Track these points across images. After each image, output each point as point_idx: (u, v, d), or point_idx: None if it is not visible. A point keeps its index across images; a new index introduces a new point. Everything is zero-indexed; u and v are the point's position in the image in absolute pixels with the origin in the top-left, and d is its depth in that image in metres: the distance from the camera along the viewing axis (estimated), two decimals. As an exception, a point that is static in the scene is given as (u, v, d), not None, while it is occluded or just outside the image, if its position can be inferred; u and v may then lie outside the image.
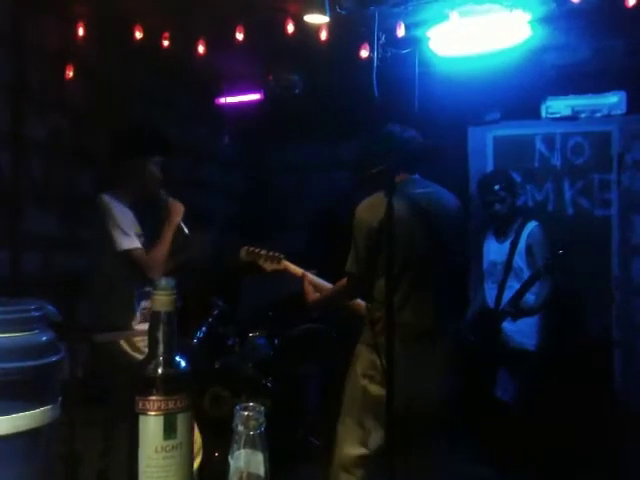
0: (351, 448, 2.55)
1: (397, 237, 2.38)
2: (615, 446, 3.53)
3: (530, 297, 3.57)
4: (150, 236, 2.83)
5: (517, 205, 3.87)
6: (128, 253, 2.66)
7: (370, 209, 2.52)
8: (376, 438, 2.48)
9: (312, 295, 2.87)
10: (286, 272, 3.01)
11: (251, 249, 3.04)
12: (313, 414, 3.80)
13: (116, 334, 2.64)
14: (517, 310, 3.53)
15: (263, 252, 3.01)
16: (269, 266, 3.01)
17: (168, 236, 2.80)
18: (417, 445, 2.36)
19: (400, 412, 2.33)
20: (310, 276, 2.91)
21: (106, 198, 2.73)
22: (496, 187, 3.78)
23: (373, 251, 2.49)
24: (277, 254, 3.01)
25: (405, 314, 2.45)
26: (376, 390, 2.49)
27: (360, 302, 2.78)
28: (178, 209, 2.87)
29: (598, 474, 3.33)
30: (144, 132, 2.97)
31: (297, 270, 2.98)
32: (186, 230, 2.87)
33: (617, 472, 3.37)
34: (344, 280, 2.66)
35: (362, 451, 2.52)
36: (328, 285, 2.85)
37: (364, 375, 2.55)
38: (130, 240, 2.67)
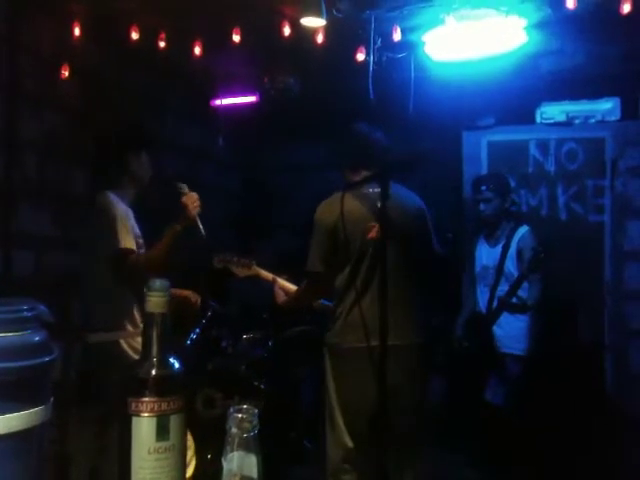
0: (333, 453, 2.60)
1: (350, 234, 2.45)
2: (605, 450, 3.54)
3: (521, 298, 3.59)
4: (145, 237, 2.80)
5: (507, 209, 3.84)
6: (128, 252, 2.62)
7: (328, 208, 2.58)
8: (347, 437, 2.54)
9: (281, 298, 2.94)
10: (258, 277, 3.06)
11: (222, 257, 3.08)
12: (306, 416, 3.80)
13: (110, 334, 2.62)
14: (508, 306, 3.54)
15: (235, 259, 3.06)
16: (241, 272, 3.08)
17: (167, 242, 2.66)
18: (396, 444, 2.35)
19: (367, 414, 2.38)
20: (280, 281, 3.00)
21: (112, 196, 2.70)
22: (483, 187, 3.81)
23: (331, 249, 2.55)
24: (248, 260, 3.06)
25: (356, 312, 2.50)
26: (337, 389, 2.55)
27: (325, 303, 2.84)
28: (191, 201, 2.72)
29: (589, 477, 3.34)
30: (129, 129, 2.98)
31: (267, 275, 3.05)
32: (202, 230, 2.74)
33: (608, 475, 3.39)
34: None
35: (341, 453, 2.57)
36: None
37: (329, 376, 2.61)
38: (132, 241, 2.65)
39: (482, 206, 3.79)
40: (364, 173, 2.64)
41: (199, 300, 3.07)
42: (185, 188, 2.78)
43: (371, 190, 2.54)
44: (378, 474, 1.98)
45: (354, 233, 2.53)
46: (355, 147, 2.76)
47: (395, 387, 2.26)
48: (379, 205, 2.47)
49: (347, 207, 2.52)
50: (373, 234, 2.53)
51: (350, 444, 2.56)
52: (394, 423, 2.19)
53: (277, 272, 3.05)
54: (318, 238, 2.61)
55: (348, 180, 2.72)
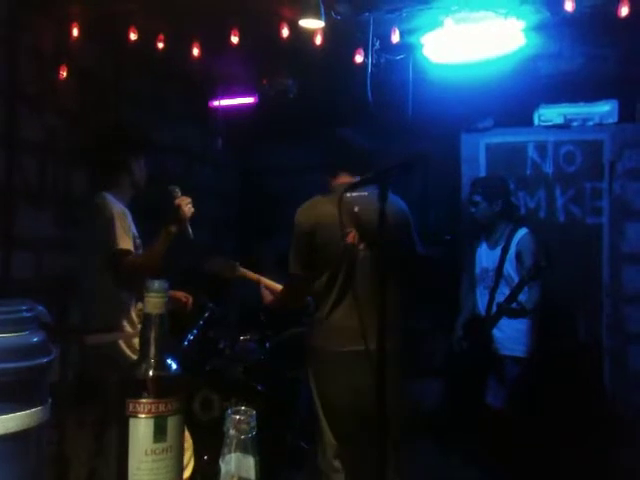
0: (323, 453, 2.62)
1: (326, 239, 2.46)
2: (604, 451, 3.55)
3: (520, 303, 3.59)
4: (143, 238, 2.81)
5: (500, 212, 3.76)
6: (124, 253, 2.63)
7: (306, 211, 2.61)
8: (330, 436, 2.56)
9: (268, 298, 2.97)
10: (244, 278, 3.14)
11: (210, 263, 3.19)
12: (303, 418, 3.79)
13: (108, 335, 2.62)
14: (508, 311, 3.54)
15: (220, 263, 3.17)
16: (228, 273, 3.15)
17: (162, 244, 2.65)
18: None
19: (348, 415, 2.47)
20: (265, 281, 3.03)
21: (109, 197, 2.71)
22: (475, 190, 3.82)
23: (308, 252, 2.58)
24: (232, 263, 3.16)
25: (336, 315, 2.50)
26: (318, 392, 2.58)
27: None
28: (185, 204, 2.71)
29: (588, 478, 3.34)
30: (131, 132, 2.99)
31: (253, 276, 3.11)
32: (191, 233, 2.75)
33: (607, 475, 3.40)
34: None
35: (331, 452, 2.59)
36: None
37: (311, 378, 2.65)
38: (129, 242, 2.66)
39: (472, 209, 3.83)
40: (344, 178, 2.65)
41: (190, 300, 3.08)
42: (178, 192, 2.79)
43: (348, 195, 2.53)
44: (366, 473, 2.00)
45: (331, 238, 2.54)
46: (335, 152, 2.78)
47: (372, 389, 2.28)
48: (356, 210, 2.50)
49: (324, 211, 2.55)
50: (350, 239, 2.53)
51: (334, 441, 2.59)
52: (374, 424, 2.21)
53: (277, 274, 3.06)
54: (296, 241, 2.64)
55: (329, 184, 2.72)
